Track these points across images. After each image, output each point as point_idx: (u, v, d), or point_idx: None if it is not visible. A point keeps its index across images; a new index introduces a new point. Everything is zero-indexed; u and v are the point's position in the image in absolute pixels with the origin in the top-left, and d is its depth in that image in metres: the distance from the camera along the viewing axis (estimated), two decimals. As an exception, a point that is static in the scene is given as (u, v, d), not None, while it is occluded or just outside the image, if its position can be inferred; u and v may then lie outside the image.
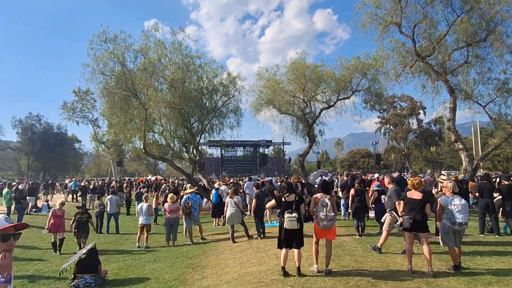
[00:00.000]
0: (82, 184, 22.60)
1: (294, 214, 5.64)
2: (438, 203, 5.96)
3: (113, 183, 25.14)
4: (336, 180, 20.68)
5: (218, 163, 63.35)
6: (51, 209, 9.96)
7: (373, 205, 9.43)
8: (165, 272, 7.12)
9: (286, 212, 5.70)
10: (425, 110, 58.86)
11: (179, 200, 12.03)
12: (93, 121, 47.12)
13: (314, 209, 5.92)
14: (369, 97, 22.66)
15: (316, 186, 11.32)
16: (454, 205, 5.73)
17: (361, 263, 6.38)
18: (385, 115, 61.17)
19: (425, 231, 5.91)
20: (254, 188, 10.26)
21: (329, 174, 11.27)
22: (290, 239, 5.76)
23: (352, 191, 9.29)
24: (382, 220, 7.61)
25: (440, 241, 6.03)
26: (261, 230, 9.60)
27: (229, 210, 9.56)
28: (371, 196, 10.60)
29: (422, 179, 14.03)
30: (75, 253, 7.11)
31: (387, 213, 7.45)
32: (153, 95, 15.11)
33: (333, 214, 5.78)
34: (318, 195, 6.01)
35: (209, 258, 7.88)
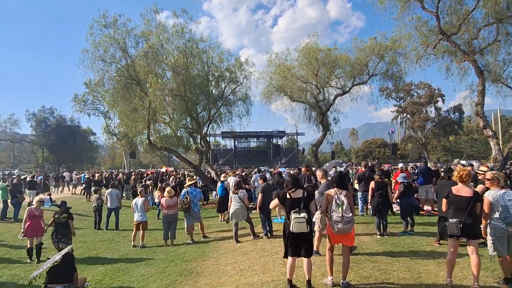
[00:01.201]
0: (87, 176, 21.89)
1: (302, 215, 4.53)
2: (487, 200, 4.72)
3: (120, 175, 24.40)
4: (351, 170, 19.38)
5: (232, 155, 62.62)
6: (27, 208, 8.67)
7: (398, 200, 8.19)
8: (153, 280, 6.13)
9: (292, 212, 4.59)
10: (443, 98, 56.78)
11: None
12: (104, 113, 46.77)
13: (327, 209, 4.80)
14: (386, 83, 21.15)
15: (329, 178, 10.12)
16: (508, 200, 4.52)
17: (385, 273, 5.23)
18: (402, 104, 59.11)
19: (476, 237, 4.65)
20: (261, 181, 9.12)
21: (344, 165, 9.99)
22: (298, 245, 4.66)
23: (372, 184, 8.05)
24: (314, 219, 6.58)
25: (489, 248, 4.79)
26: (267, 228, 8.52)
27: (233, 206, 8.49)
28: (394, 189, 9.46)
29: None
30: (49, 259, 6.17)
31: (317, 211, 6.46)
32: (154, 82, 14.08)
33: (350, 215, 4.63)
34: (332, 191, 4.85)
35: (206, 263, 6.85)
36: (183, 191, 9.65)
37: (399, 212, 8.56)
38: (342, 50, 19.99)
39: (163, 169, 40.98)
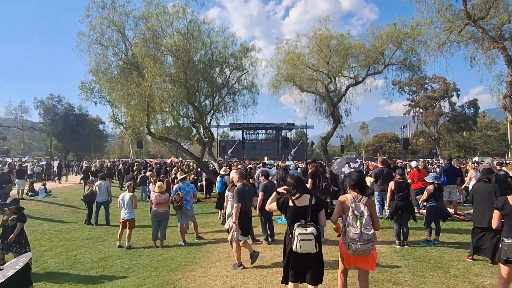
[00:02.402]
0: (85, 165, 21.04)
1: (309, 229, 3.40)
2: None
3: (121, 165, 23.52)
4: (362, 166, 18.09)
5: (240, 146, 61.79)
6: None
7: (425, 204, 7.01)
8: (127, 295, 5.14)
9: (297, 225, 3.47)
10: (458, 93, 55.01)
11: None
12: (111, 101, 46.02)
13: (340, 221, 3.69)
14: (403, 74, 19.71)
15: (343, 176, 8.93)
16: None
17: (412, 301, 4.13)
18: (415, 98, 57.37)
19: None
20: (262, 178, 8.02)
21: (358, 160, 8.72)
22: (303, 268, 3.55)
23: (391, 184, 6.88)
24: (226, 226, 6.19)
25: None
26: (268, 232, 7.45)
27: (229, 207, 7.36)
28: (414, 188, 8.33)
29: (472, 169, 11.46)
30: (1, 270, 5.11)
31: (229, 218, 6.00)
32: (151, 65, 13.02)
33: (372, 231, 3.48)
34: (349, 197, 3.70)
35: (194, 274, 5.80)
36: (175, 186, 8.60)
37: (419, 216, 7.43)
38: (357, 37, 18.73)
39: (169, 160, 40.18)
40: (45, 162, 29.06)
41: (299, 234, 3.39)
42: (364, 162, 24.79)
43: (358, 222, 3.46)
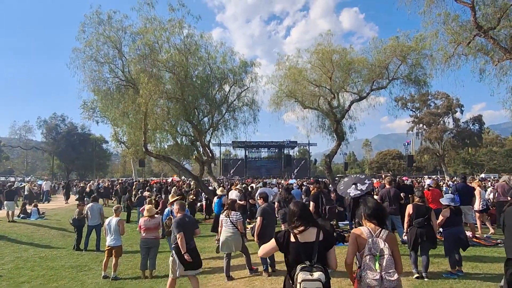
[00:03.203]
0: (81, 185, 20.34)
1: (316, 275, 2.63)
2: None
3: (118, 185, 22.79)
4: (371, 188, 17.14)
5: (242, 165, 61.27)
6: None
7: (442, 230, 6.19)
8: None
9: (300, 269, 2.69)
10: (462, 108, 54.76)
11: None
12: (110, 120, 45.76)
13: (356, 261, 2.94)
14: (408, 88, 19.11)
15: (349, 198, 8.14)
16: None
17: None
18: (418, 114, 56.93)
19: None
20: (260, 201, 7.13)
21: (367, 181, 7.86)
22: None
23: (409, 208, 6.05)
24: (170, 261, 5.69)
25: None
26: (268, 262, 6.64)
27: (223, 233, 6.63)
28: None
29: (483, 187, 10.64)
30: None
31: (172, 251, 5.68)
32: (145, 81, 12.48)
33: (396, 277, 2.72)
34: (364, 230, 2.95)
35: (181, 314, 5.04)
36: (166, 210, 7.87)
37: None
38: (359, 52, 18.25)
39: (170, 179, 39.53)
40: (42, 182, 28.44)
41: (302, 280, 2.63)
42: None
43: (377, 264, 2.71)
